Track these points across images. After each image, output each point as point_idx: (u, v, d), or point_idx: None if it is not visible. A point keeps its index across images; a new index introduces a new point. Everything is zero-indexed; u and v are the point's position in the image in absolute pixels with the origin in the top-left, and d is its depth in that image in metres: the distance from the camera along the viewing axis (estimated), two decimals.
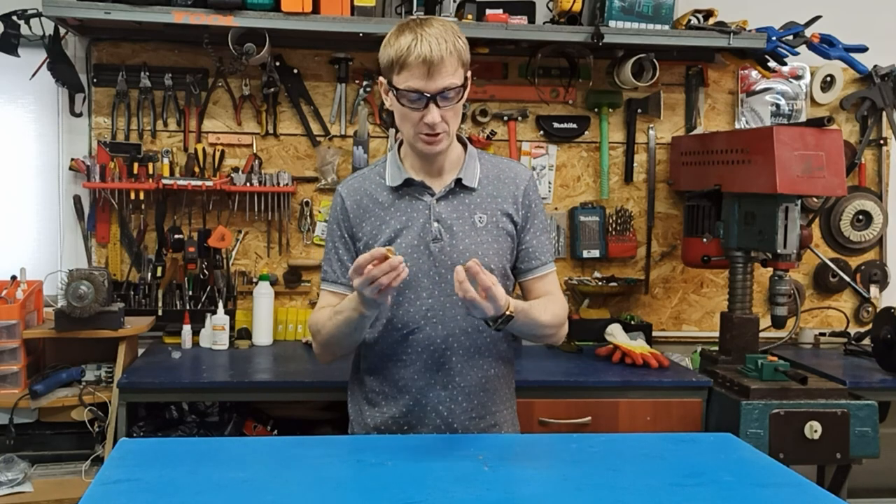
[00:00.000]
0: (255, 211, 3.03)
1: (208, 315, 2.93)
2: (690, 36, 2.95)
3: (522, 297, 1.97)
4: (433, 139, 1.78)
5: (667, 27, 2.94)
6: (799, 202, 2.65)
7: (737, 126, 3.30)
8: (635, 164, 3.26)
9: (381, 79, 1.82)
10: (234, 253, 3.09)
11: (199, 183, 2.94)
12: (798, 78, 3.33)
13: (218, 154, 3.05)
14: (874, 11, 3.32)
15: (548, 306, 1.89)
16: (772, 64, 3.09)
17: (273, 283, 3.03)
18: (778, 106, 3.32)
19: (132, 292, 2.98)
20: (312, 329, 1.91)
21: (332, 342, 1.87)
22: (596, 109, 3.22)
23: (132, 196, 2.94)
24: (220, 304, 2.91)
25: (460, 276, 1.60)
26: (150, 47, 3.01)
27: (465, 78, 1.79)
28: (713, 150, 2.91)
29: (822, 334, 3.29)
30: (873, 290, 3.36)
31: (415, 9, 2.84)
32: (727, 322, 2.84)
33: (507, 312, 1.69)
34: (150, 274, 2.98)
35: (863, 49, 3.17)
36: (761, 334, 2.88)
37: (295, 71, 3.06)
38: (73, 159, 2.98)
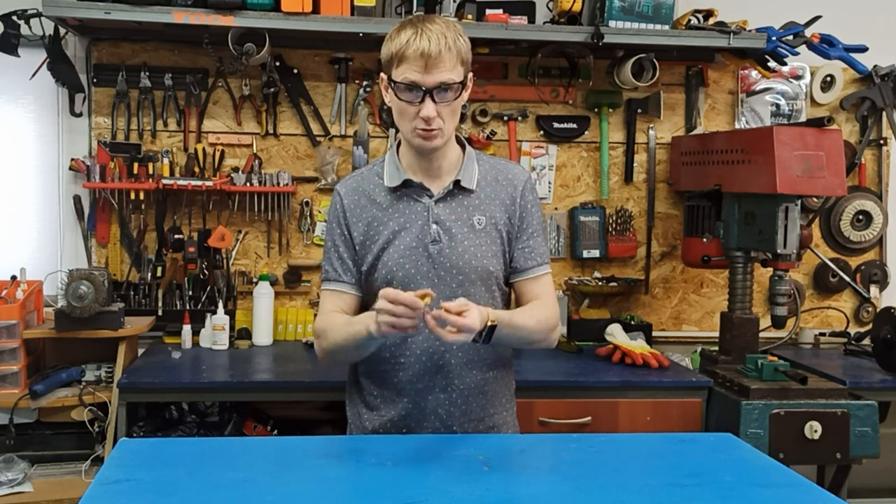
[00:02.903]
0: (255, 211, 3.03)
1: (208, 315, 2.93)
2: (690, 36, 2.95)
3: (516, 299, 1.97)
4: (429, 134, 1.77)
5: (667, 27, 2.94)
6: (799, 202, 2.65)
7: (737, 126, 3.30)
8: (635, 164, 3.26)
9: (381, 75, 1.82)
10: (234, 253, 3.09)
11: (199, 183, 2.94)
12: (798, 78, 3.33)
13: (218, 154, 3.06)
14: (874, 11, 3.32)
15: (535, 312, 1.86)
16: (772, 64, 3.09)
17: (273, 283, 3.03)
18: (778, 106, 3.32)
19: (132, 292, 2.97)
20: (318, 332, 1.88)
21: (336, 351, 1.85)
22: (596, 109, 3.22)
23: (132, 196, 2.94)
24: (220, 304, 2.90)
25: (430, 324, 1.59)
26: (150, 47, 3.01)
27: (465, 77, 1.78)
28: (713, 150, 2.91)
29: (822, 334, 3.29)
30: (873, 290, 3.36)
31: (415, 9, 2.84)
32: (727, 322, 2.84)
33: (489, 323, 1.67)
34: (150, 274, 2.98)
35: (863, 49, 3.17)
36: (761, 334, 2.88)
37: (295, 71, 3.06)
38: (73, 159, 2.98)
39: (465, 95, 1.81)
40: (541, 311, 1.88)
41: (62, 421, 2.66)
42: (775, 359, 2.59)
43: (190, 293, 3.00)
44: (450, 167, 1.89)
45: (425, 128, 1.76)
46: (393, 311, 1.58)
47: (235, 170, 3.03)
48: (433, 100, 1.73)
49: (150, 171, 2.97)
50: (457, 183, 1.87)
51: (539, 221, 1.94)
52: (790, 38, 3.06)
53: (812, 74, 3.32)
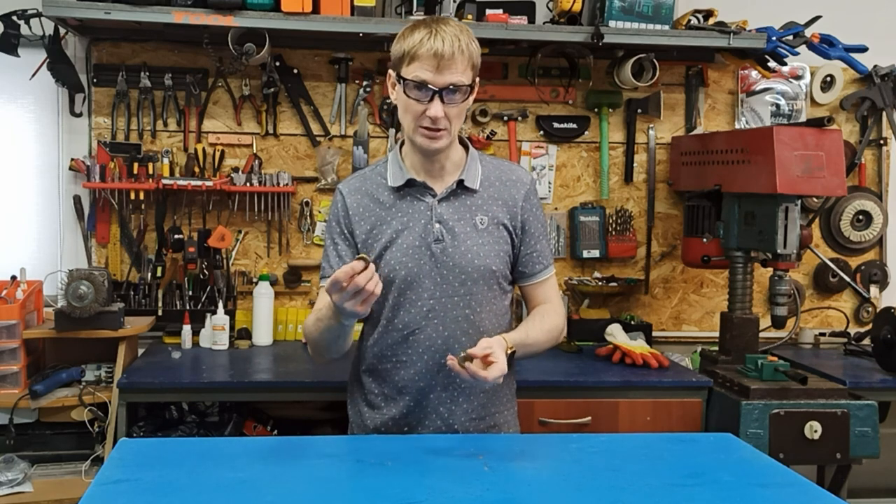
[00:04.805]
0: (255, 211, 3.03)
1: (208, 315, 2.93)
2: (690, 36, 2.95)
3: (524, 301, 2.01)
4: (433, 134, 1.78)
5: (667, 27, 2.94)
6: (799, 202, 2.65)
7: (737, 126, 3.30)
8: (635, 164, 3.26)
9: (389, 72, 1.83)
10: (234, 253, 3.09)
11: (199, 183, 2.94)
12: (798, 78, 3.33)
13: (218, 154, 3.06)
14: (874, 11, 3.32)
15: (544, 322, 1.92)
16: (772, 64, 3.09)
17: (273, 283, 3.03)
18: (778, 106, 3.32)
19: (132, 292, 2.97)
20: (304, 332, 1.94)
21: (320, 347, 1.87)
22: (596, 109, 3.22)
23: (132, 196, 2.94)
24: (220, 304, 2.90)
25: (456, 368, 1.65)
26: (150, 47, 3.01)
27: (474, 81, 1.80)
28: (713, 150, 2.91)
29: (822, 334, 3.29)
30: (873, 290, 3.36)
31: (415, 9, 2.83)
32: (727, 322, 2.84)
33: (509, 351, 1.75)
34: (150, 274, 2.98)
35: (863, 49, 3.17)
36: (761, 334, 2.88)
37: (295, 71, 3.06)
38: (73, 159, 2.98)
39: (471, 99, 1.82)
40: (551, 319, 1.93)
41: (62, 421, 2.66)
42: (775, 359, 2.59)
43: (190, 293, 3.00)
44: (453, 167, 1.89)
45: (431, 126, 1.77)
46: (350, 292, 1.56)
47: (235, 170, 3.03)
48: (442, 100, 1.74)
49: (150, 171, 2.97)
50: (460, 182, 1.87)
51: (543, 224, 1.97)
52: (790, 38, 3.05)
53: (812, 74, 3.32)
